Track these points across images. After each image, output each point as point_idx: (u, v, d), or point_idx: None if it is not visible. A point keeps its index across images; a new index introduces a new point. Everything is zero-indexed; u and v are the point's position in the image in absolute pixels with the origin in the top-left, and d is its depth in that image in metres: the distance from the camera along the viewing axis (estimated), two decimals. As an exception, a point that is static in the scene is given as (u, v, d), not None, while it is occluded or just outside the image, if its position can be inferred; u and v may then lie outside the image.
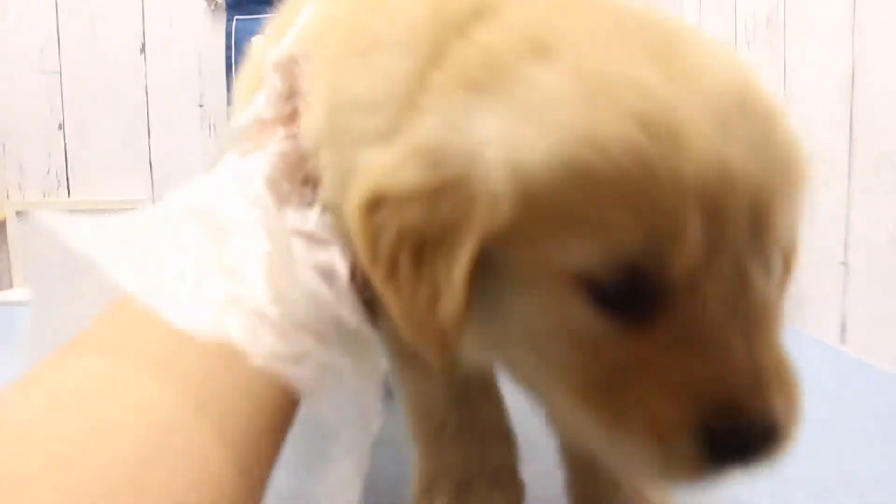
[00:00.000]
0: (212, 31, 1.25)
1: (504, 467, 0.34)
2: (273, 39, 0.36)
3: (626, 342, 0.22)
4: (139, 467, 0.18)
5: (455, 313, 0.23)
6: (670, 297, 0.22)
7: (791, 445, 0.22)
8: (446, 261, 0.23)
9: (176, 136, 1.26)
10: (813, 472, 0.38)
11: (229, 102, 0.50)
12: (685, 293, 0.21)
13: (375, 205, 0.24)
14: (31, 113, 1.26)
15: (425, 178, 0.23)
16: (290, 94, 0.32)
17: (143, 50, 1.26)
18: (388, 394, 0.31)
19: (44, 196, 1.27)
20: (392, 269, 0.24)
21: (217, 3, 1.24)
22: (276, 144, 0.31)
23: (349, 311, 0.27)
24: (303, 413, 0.25)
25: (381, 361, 0.29)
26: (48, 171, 1.28)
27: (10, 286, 1.26)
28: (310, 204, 0.30)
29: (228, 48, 1.20)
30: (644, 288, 0.21)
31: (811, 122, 0.84)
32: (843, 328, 0.83)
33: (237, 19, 1.22)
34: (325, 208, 0.29)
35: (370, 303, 0.29)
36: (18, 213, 1.26)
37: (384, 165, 0.24)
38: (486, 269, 0.23)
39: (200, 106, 1.27)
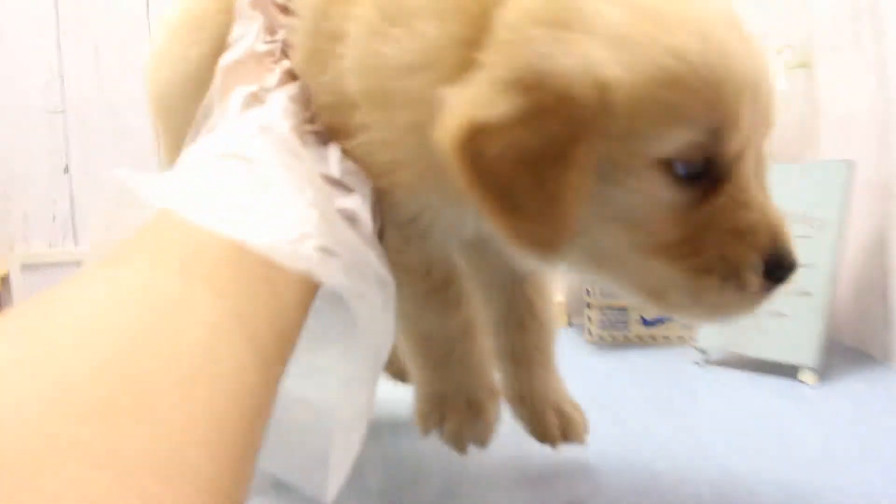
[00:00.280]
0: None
1: (495, 386, 0.44)
2: None
3: (699, 207, 0.31)
4: (187, 382, 0.21)
5: (574, 213, 0.29)
6: (726, 170, 0.31)
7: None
8: (564, 169, 0.28)
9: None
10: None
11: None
12: (735, 166, 0.31)
13: (474, 136, 0.28)
14: (33, 156, 1.16)
15: (528, 102, 0.28)
16: (272, 30, 0.37)
17: (151, 82, 1.15)
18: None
19: (49, 246, 1.17)
20: (506, 190, 0.29)
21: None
22: (284, 87, 0.35)
23: (375, 255, 0.33)
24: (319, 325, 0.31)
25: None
26: (53, 219, 1.17)
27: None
28: (325, 144, 0.35)
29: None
30: (711, 165, 0.31)
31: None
32: None
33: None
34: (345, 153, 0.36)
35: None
36: (24, 266, 1.16)
37: (475, 100, 0.28)
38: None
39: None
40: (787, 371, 0.71)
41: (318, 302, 0.31)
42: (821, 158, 0.90)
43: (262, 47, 0.38)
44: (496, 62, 0.29)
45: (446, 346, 0.41)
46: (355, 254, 0.32)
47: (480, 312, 0.44)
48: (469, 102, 0.29)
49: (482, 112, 0.28)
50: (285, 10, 0.39)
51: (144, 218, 0.28)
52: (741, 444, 0.57)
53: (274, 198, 0.29)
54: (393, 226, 0.39)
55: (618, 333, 0.92)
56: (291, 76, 0.38)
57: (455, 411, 0.42)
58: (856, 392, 0.67)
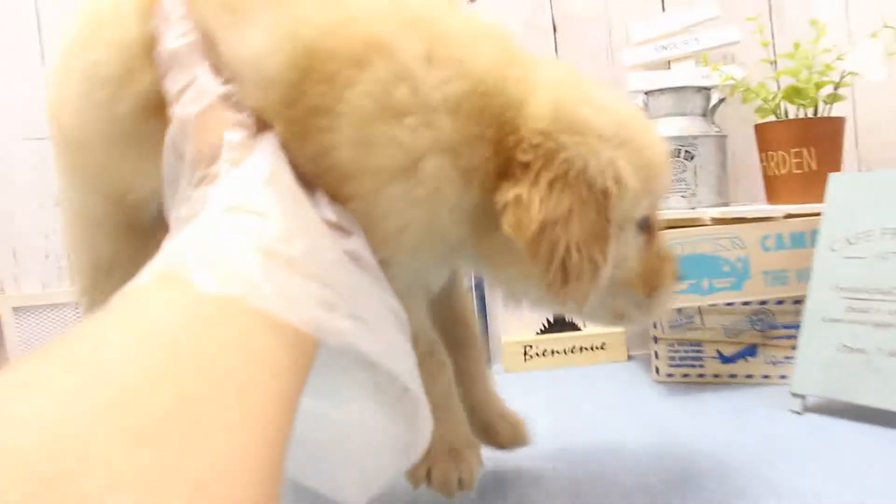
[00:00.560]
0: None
1: (472, 437, 0.51)
2: None
3: (647, 249, 0.46)
4: (234, 399, 0.25)
5: (608, 272, 0.41)
6: (654, 224, 0.46)
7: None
8: (604, 243, 0.40)
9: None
10: None
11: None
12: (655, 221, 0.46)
13: (544, 228, 0.39)
14: (18, 189, 1.05)
15: (575, 198, 0.40)
16: (218, 72, 0.40)
17: (147, 101, 1.04)
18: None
19: (43, 287, 1.06)
20: (564, 264, 0.39)
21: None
22: (265, 134, 0.38)
23: (387, 291, 0.38)
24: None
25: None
26: (46, 257, 1.06)
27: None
28: (313, 193, 0.38)
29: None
30: (650, 222, 0.45)
31: None
32: None
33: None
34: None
35: None
36: (16, 310, 1.05)
37: (536, 198, 0.39)
38: None
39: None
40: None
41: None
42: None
43: (220, 89, 0.39)
44: (541, 165, 0.39)
45: (431, 407, 0.44)
46: (371, 301, 0.36)
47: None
48: (532, 200, 0.39)
49: (544, 207, 0.39)
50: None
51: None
52: None
53: (295, 258, 0.32)
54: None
55: (691, 371, 0.81)
56: (260, 121, 0.39)
57: (440, 461, 0.49)
58: None
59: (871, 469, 0.55)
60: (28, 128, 1.04)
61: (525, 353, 0.93)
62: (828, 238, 0.70)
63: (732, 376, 0.80)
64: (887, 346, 0.63)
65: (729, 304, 0.78)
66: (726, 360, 0.80)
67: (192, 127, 0.38)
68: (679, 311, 0.81)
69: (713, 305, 0.79)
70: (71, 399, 0.21)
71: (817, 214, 0.73)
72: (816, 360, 0.67)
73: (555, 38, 0.98)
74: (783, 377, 0.77)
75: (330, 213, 0.38)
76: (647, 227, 0.45)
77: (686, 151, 0.83)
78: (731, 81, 0.85)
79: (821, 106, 0.83)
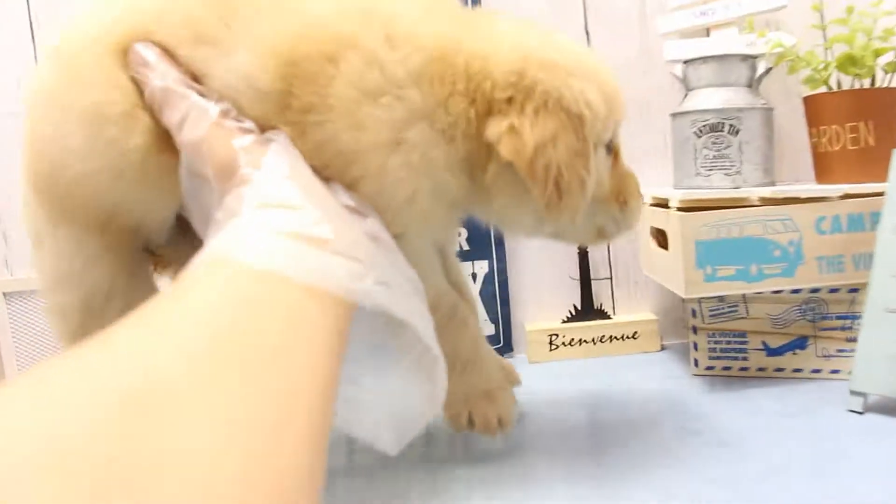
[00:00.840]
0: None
1: (503, 379, 0.59)
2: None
3: (613, 169, 0.53)
4: (287, 351, 0.30)
5: (591, 186, 0.48)
6: (617, 147, 0.53)
7: None
8: (585, 160, 0.46)
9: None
10: None
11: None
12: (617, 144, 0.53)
13: (536, 149, 0.44)
14: (9, 169, 0.98)
15: (558, 122, 0.45)
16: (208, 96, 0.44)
17: (144, 72, 0.97)
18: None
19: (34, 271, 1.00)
20: (557, 181, 0.45)
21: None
22: (275, 134, 0.43)
23: (404, 263, 0.43)
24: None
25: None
26: (38, 239, 1.00)
27: (2, 376, 1.00)
28: (328, 183, 0.44)
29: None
30: (613, 145, 0.52)
31: None
32: None
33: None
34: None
35: None
36: (6, 295, 0.99)
37: (523, 124, 0.45)
38: None
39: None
40: None
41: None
42: None
43: (216, 108, 0.43)
44: (523, 97, 0.46)
45: (462, 360, 0.54)
46: (393, 271, 0.41)
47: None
48: (524, 126, 0.45)
49: (535, 132, 0.45)
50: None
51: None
52: None
53: (325, 239, 0.36)
54: (412, 260, 0.47)
55: (733, 364, 0.75)
56: (263, 126, 0.44)
57: (478, 405, 0.56)
58: None
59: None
60: (15, 102, 0.97)
61: (551, 343, 0.87)
62: (892, 220, 0.63)
63: (779, 370, 0.74)
64: (964, 341, 0.57)
65: (776, 292, 0.72)
66: (773, 352, 0.74)
67: (205, 147, 0.42)
68: (721, 298, 0.74)
69: (759, 293, 0.72)
70: (158, 350, 0.27)
71: (877, 195, 0.67)
72: (880, 355, 0.61)
73: (584, 4, 0.91)
74: (835, 372, 0.71)
75: (347, 198, 0.44)
76: (612, 149, 0.53)
77: (730, 125, 0.76)
78: (780, 49, 0.78)
79: (879, 75, 0.76)
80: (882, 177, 0.66)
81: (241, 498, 0.24)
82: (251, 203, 0.37)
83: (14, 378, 0.25)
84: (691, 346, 0.77)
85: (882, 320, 0.62)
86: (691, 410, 0.66)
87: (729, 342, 0.75)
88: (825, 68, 0.77)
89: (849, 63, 0.75)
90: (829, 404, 0.65)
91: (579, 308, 0.90)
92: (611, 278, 0.92)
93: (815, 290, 0.71)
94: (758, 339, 0.74)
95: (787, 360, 0.73)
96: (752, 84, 0.78)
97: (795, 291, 0.72)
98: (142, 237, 0.51)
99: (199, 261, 0.34)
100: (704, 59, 0.78)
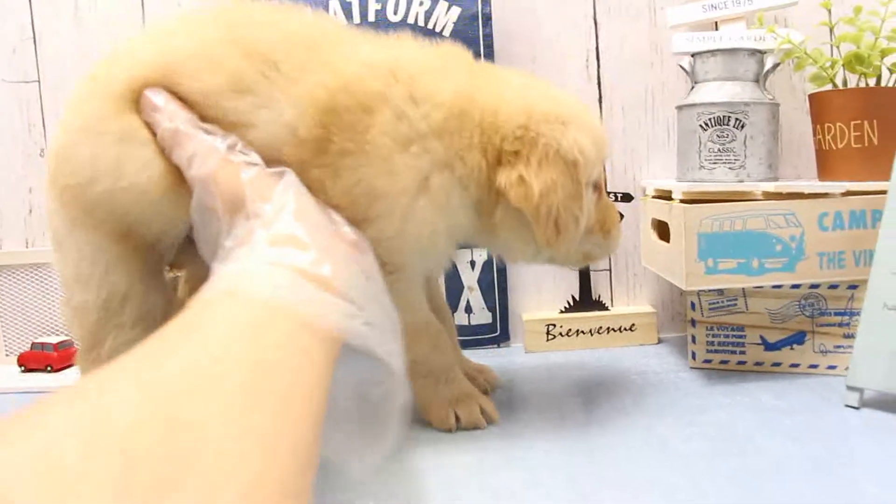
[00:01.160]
0: (233, 16, 0.93)
1: (469, 387, 0.64)
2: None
3: (597, 204, 0.60)
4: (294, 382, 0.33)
5: (585, 222, 0.57)
6: (600, 185, 0.61)
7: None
8: (580, 201, 0.55)
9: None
10: None
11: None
12: (601, 183, 0.60)
13: (541, 195, 0.53)
14: (2, 136, 0.96)
15: (558, 170, 0.54)
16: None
17: (144, 45, 0.95)
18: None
19: (26, 245, 0.98)
20: (556, 220, 0.54)
21: (238, -23, 0.92)
22: (285, 172, 0.47)
23: (387, 300, 0.46)
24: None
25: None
26: (30, 212, 0.98)
27: (-5, 357, 0.98)
28: (331, 216, 0.49)
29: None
30: (597, 183, 0.60)
31: None
32: None
33: (266, -2, 0.91)
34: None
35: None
36: (-3, 268, 0.97)
37: (529, 173, 0.53)
38: None
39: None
40: None
41: None
42: None
43: (223, 144, 0.48)
44: (528, 150, 0.54)
45: (445, 372, 0.62)
46: (380, 311, 0.44)
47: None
48: (530, 177, 0.53)
49: (539, 181, 0.53)
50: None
51: None
52: None
53: (325, 277, 0.40)
54: (406, 287, 0.57)
55: (730, 358, 0.75)
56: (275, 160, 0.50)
57: (462, 405, 0.62)
58: None
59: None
60: (10, 69, 0.95)
61: (548, 333, 0.87)
62: (893, 218, 0.64)
63: (776, 365, 0.74)
64: (964, 339, 0.57)
65: (776, 287, 0.72)
66: (770, 347, 0.74)
67: (212, 182, 0.46)
68: (720, 292, 0.74)
69: (759, 288, 0.72)
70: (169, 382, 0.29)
71: (879, 192, 0.67)
72: (877, 351, 0.62)
73: (592, -6, 0.90)
74: (832, 367, 0.72)
75: (350, 232, 0.48)
76: (597, 186, 0.61)
77: (736, 119, 0.76)
78: (788, 46, 0.78)
79: (885, 75, 0.76)
80: (885, 175, 0.66)
81: None
82: (261, 237, 0.41)
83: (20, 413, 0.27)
84: (689, 338, 0.77)
85: (881, 317, 0.62)
86: (688, 403, 0.66)
87: (727, 336, 0.75)
88: (832, 66, 0.77)
89: (855, 62, 0.76)
90: (825, 400, 0.65)
91: (577, 299, 0.90)
92: (609, 270, 0.92)
93: (814, 286, 0.72)
94: (756, 334, 0.74)
95: (784, 355, 0.73)
96: (760, 79, 0.78)
97: (795, 287, 0.72)
98: (159, 247, 0.55)
99: (213, 287, 0.38)
100: (713, 52, 0.77)
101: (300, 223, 0.42)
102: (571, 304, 0.89)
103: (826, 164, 0.78)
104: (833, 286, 0.71)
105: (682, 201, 0.71)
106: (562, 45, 0.90)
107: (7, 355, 0.97)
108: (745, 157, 0.76)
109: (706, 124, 0.77)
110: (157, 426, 0.26)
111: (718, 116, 0.76)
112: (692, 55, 0.80)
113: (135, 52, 0.53)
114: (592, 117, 0.59)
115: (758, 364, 0.74)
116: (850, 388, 0.63)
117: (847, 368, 0.64)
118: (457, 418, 0.61)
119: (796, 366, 0.73)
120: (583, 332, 0.87)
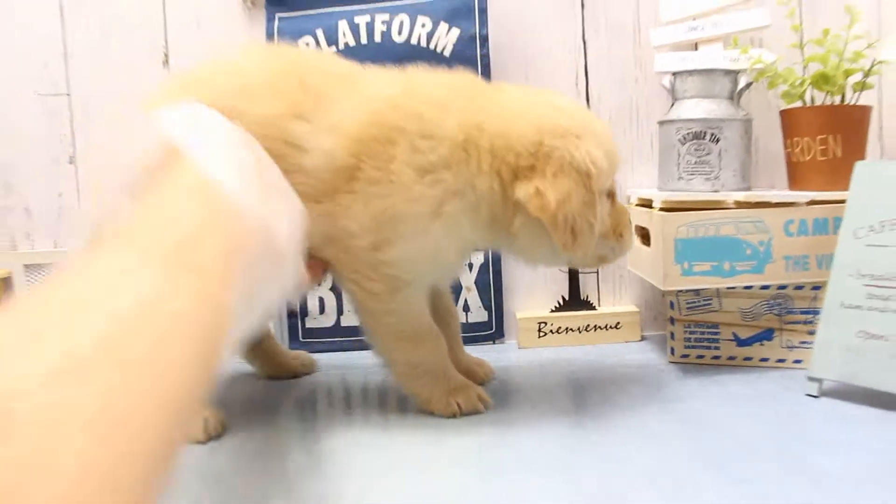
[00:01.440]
0: (249, 34, 1.00)
1: (463, 379, 0.71)
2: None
3: (612, 210, 0.67)
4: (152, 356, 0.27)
5: (599, 229, 0.63)
6: (613, 193, 0.67)
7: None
8: (594, 209, 0.60)
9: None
10: None
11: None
12: (614, 191, 0.67)
13: (558, 204, 0.58)
14: (35, 145, 1.04)
15: (573, 181, 0.59)
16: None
17: (166, 62, 1.03)
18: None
19: (55, 245, 1.05)
20: (572, 228, 0.60)
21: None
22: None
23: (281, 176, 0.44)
24: None
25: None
26: (59, 215, 1.05)
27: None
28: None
29: (271, 55, 0.97)
30: (611, 191, 0.66)
31: None
32: None
33: (279, 17, 0.98)
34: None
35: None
36: (27, 267, 1.04)
37: (547, 186, 0.59)
38: None
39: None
40: (930, 410, 0.62)
41: None
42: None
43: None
44: (543, 164, 0.59)
45: (444, 369, 0.69)
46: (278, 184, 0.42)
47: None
48: (547, 189, 0.59)
49: (555, 191, 0.58)
50: None
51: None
52: (872, 501, 0.47)
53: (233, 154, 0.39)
54: (414, 298, 0.65)
55: (706, 353, 0.82)
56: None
57: (460, 394, 0.68)
58: None
59: (887, 452, 0.55)
60: (42, 83, 1.03)
61: (539, 330, 0.93)
62: (851, 225, 0.70)
63: (747, 359, 0.80)
64: (908, 333, 0.64)
65: (747, 288, 0.79)
66: (742, 343, 0.80)
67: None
68: (697, 292, 0.81)
69: (731, 288, 0.79)
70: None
71: (840, 202, 0.74)
72: (835, 346, 0.68)
73: (582, 16, 0.97)
74: (798, 362, 0.78)
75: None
76: (611, 193, 0.66)
77: (711, 134, 0.82)
78: (760, 65, 0.84)
79: (848, 93, 0.82)
80: (848, 186, 0.72)
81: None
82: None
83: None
84: (668, 335, 0.83)
85: (838, 315, 0.68)
86: (666, 392, 0.73)
87: (703, 333, 0.82)
88: (801, 84, 0.84)
89: (822, 81, 0.82)
90: (790, 390, 0.71)
91: (567, 299, 0.96)
92: (597, 272, 0.99)
93: (782, 287, 0.78)
94: (729, 331, 0.81)
95: (755, 351, 0.80)
96: (734, 97, 0.85)
97: (764, 287, 0.78)
98: None
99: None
100: (691, 71, 0.84)
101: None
102: (561, 303, 0.96)
103: (796, 175, 0.85)
104: (799, 287, 0.78)
105: (661, 209, 0.78)
106: (553, 63, 0.97)
107: (36, 349, 1.04)
108: (719, 168, 0.83)
109: (684, 138, 0.84)
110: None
111: (695, 131, 0.83)
112: (673, 74, 0.87)
113: (213, 80, 0.62)
114: (603, 129, 0.63)
115: (731, 358, 0.81)
116: (810, 378, 0.69)
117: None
118: (458, 406, 0.68)
119: (766, 360, 0.80)
120: (572, 329, 0.94)
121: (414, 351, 0.66)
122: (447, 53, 0.92)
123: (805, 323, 0.78)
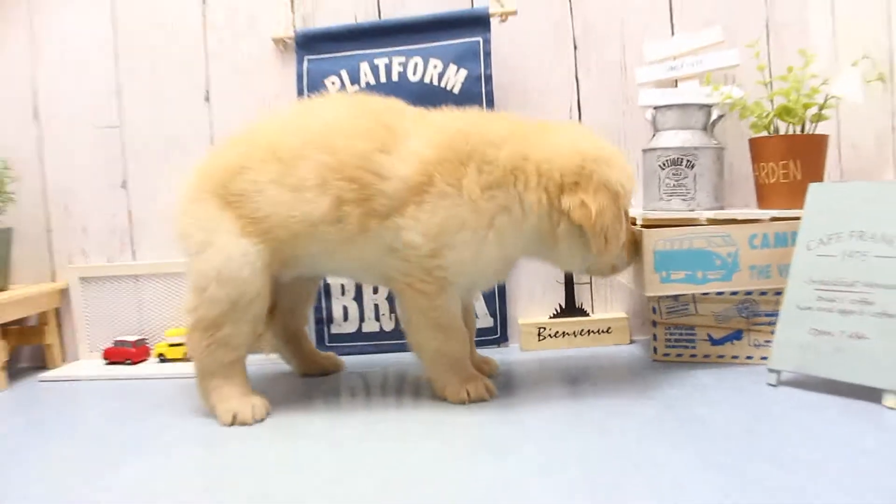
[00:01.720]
0: (281, 74, 1.14)
1: (475, 372, 0.86)
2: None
3: (628, 230, 0.87)
4: None
5: (624, 238, 0.83)
6: (627, 211, 0.84)
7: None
8: (621, 222, 0.80)
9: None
10: None
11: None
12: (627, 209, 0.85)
13: (598, 214, 0.77)
14: (91, 171, 1.17)
15: (606, 197, 0.78)
16: None
17: (207, 98, 1.16)
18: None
19: (108, 261, 1.18)
20: (607, 236, 0.78)
21: (286, 43, 1.13)
22: None
23: None
24: None
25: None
26: (112, 233, 1.18)
27: (76, 357, 1.18)
28: None
29: (300, 91, 1.10)
30: (626, 210, 0.84)
31: None
32: None
33: (308, 59, 1.11)
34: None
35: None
36: (82, 280, 1.17)
37: (586, 200, 0.77)
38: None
39: (271, 156, 1.16)
40: (868, 395, 0.72)
41: None
42: None
43: None
44: (585, 182, 0.77)
45: (461, 361, 0.84)
46: None
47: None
48: (589, 201, 0.76)
49: (595, 204, 0.76)
50: None
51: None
52: (819, 471, 0.57)
53: None
54: (454, 298, 0.82)
55: (684, 352, 0.93)
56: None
57: (470, 384, 0.82)
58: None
59: (830, 428, 0.67)
60: (98, 116, 1.16)
61: (539, 334, 1.05)
62: (805, 238, 0.81)
63: (721, 357, 0.91)
64: (849, 330, 0.75)
65: (719, 294, 0.90)
66: (716, 342, 0.91)
67: None
68: (676, 298, 0.92)
69: (706, 294, 0.90)
70: None
71: (798, 218, 0.85)
72: (791, 342, 0.79)
73: (575, 56, 1.10)
74: (765, 358, 0.89)
75: None
76: (627, 214, 0.82)
77: (688, 160, 0.94)
78: (730, 100, 0.97)
79: (807, 124, 0.94)
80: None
81: None
82: None
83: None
84: (651, 337, 0.95)
85: (794, 315, 0.80)
86: (646, 384, 0.84)
87: (682, 334, 0.93)
88: (767, 116, 0.96)
89: (785, 113, 0.94)
90: (753, 382, 0.82)
91: (564, 307, 1.08)
92: (590, 283, 1.10)
93: (749, 293, 0.89)
94: (704, 332, 0.92)
95: (726, 349, 0.91)
96: (707, 128, 0.97)
97: (733, 293, 0.90)
98: (288, 268, 0.84)
99: None
100: (670, 105, 0.96)
101: None
102: (559, 310, 1.08)
103: (763, 196, 0.96)
104: (763, 293, 0.89)
105: (643, 226, 0.90)
106: (549, 98, 1.10)
107: (90, 351, 1.17)
108: (695, 190, 0.95)
109: (664, 164, 0.96)
110: None
111: (674, 158, 0.95)
112: (654, 108, 0.99)
113: (306, 123, 0.81)
114: (626, 162, 0.81)
115: (706, 356, 0.92)
116: (770, 370, 0.80)
117: (769, 356, 0.81)
118: (468, 394, 0.80)
119: (736, 357, 0.91)
120: (568, 333, 1.05)
121: (446, 341, 0.82)
122: (456, 91, 1.05)
123: (770, 324, 0.89)
